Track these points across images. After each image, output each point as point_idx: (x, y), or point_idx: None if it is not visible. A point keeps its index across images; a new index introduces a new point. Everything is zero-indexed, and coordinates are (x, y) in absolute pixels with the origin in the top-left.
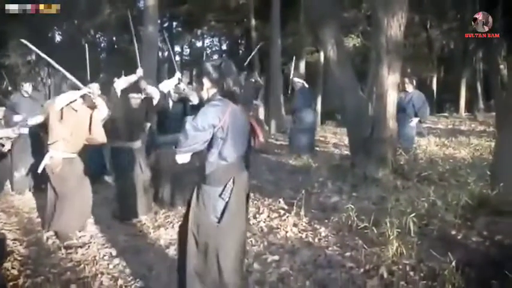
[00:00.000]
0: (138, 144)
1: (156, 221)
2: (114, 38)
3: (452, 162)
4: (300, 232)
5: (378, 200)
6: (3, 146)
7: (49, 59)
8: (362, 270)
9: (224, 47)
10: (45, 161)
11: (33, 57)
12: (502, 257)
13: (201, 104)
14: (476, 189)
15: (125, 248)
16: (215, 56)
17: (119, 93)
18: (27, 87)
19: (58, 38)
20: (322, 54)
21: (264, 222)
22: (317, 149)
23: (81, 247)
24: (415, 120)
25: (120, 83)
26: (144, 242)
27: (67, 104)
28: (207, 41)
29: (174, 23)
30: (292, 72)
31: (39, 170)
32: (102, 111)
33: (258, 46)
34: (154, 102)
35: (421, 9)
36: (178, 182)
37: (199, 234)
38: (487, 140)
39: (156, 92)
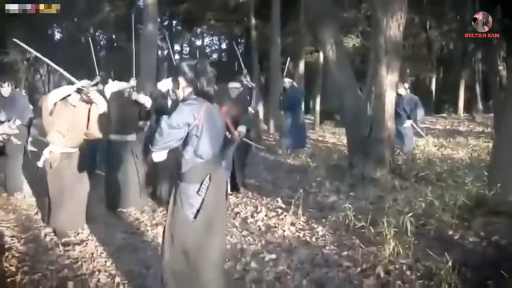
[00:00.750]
0: (132, 137)
1: (154, 219)
2: (113, 36)
3: (450, 163)
4: (297, 231)
5: (375, 199)
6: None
7: (42, 57)
8: (359, 269)
9: (224, 46)
10: (45, 155)
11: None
12: (499, 257)
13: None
14: (473, 190)
15: (123, 245)
16: (214, 55)
17: (108, 95)
18: (5, 87)
19: (58, 36)
20: (321, 54)
21: (262, 221)
22: (311, 148)
23: (78, 244)
24: (408, 122)
25: (111, 87)
26: (141, 239)
27: (61, 99)
28: (207, 40)
29: (174, 22)
30: (285, 72)
31: (40, 164)
32: (100, 106)
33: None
34: (147, 108)
35: (420, 10)
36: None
37: (176, 232)
38: (485, 140)
39: (148, 101)
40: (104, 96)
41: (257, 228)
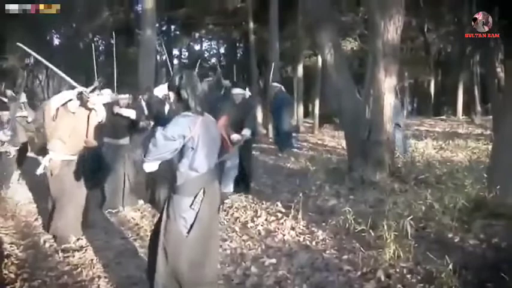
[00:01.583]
0: (124, 141)
1: (154, 224)
2: (112, 41)
3: (449, 165)
4: (297, 235)
5: (375, 203)
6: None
7: (45, 62)
8: (359, 273)
9: (222, 50)
10: (45, 163)
11: (32, 60)
12: (499, 259)
13: None
14: (473, 192)
15: (122, 251)
16: (213, 60)
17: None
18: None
19: (56, 42)
20: (320, 57)
21: (262, 225)
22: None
23: (78, 251)
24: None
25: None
26: (141, 245)
27: (63, 104)
28: (205, 45)
29: (172, 27)
30: (271, 77)
31: (39, 172)
32: (100, 113)
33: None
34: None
35: (417, 13)
36: None
37: (170, 246)
38: (484, 143)
39: (132, 113)
40: None
41: (257, 232)
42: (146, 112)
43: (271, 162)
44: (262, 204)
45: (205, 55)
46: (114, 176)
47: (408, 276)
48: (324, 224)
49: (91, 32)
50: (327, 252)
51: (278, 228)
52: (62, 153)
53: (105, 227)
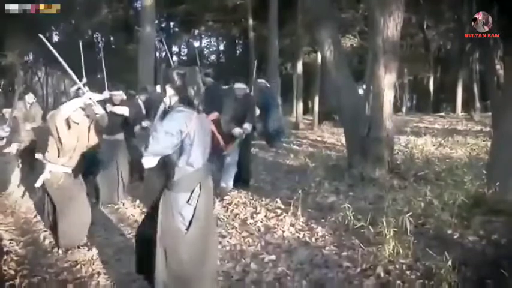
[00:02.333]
0: (118, 136)
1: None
2: (111, 38)
3: (448, 162)
4: (296, 232)
5: (374, 199)
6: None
7: (60, 58)
8: (359, 269)
9: (221, 47)
10: (45, 176)
11: (31, 57)
12: (498, 256)
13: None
14: (472, 189)
15: (121, 248)
16: (212, 57)
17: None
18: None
19: (55, 39)
20: (319, 54)
21: (261, 222)
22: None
23: (78, 248)
24: None
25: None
26: None
27: (74, 111)
28: (205, 41)
29: (172, 23)
30: (254, 74)
31: (37, 185)
32: (102, 121)
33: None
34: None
35: (417, 10)
36: None
37: (168, 244)
38: (484, 139)
39: (125, 111)
40: None
41: (256, 229)
42: (144, 112)
43: (270, 159)
44: (262, 200)
45: (205, 52)
46: (108, 171)
47: (408, 272)
48: (323, 220)
49: (90, 29)
50: (326, 248)
51: (277, 225)
52: (65, 166)
53: (104, 224)
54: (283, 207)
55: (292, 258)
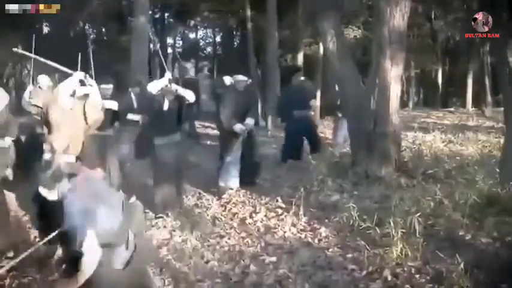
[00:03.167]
0: (108, 132)
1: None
2: (103, 30)
3: (459, 160)
4: (298, 232)
5: (380, 198)
6: None
7: (40, 59)
8: (364, 272)
9: (218, 39)
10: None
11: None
12: None
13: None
14: (484, 188)
15: None
16: (208, 49)
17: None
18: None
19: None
20: (321, 46)
21: (261, 221)
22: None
23: None
24: None
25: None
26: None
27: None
28: (201, 33)
29: (166, 14)
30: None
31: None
32: (95, 98)
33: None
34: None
35: None
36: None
37: None
38: (496, 136)
39: (114, 105)
40: None
41: (256, 229)
42: (135, 105)
43: (270, 156)
44: (261, 199)
45: (201, 44)
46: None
47: (416, 276)
48: (326, 220)
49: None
50: (330, 250)
51: (278, 225)
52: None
53: None
54: (284, 206)
55: (294, 260)
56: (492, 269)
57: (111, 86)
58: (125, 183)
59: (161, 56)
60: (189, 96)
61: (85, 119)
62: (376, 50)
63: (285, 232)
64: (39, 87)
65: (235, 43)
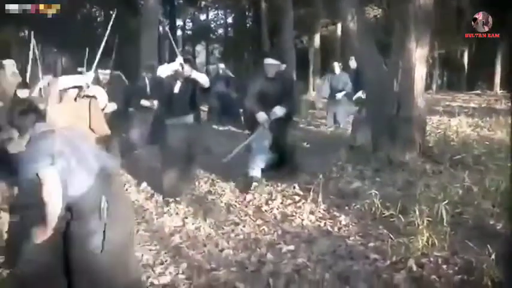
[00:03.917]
0: None
1: (161, 207)
2: (110, 12)
3: (488, 145)
4: (317, 220)
5: (404, 185)
6: None
7: None
8: (388, 262)
9: (230, 20)
10: None
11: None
12: None
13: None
14: None
15: None
16: (220, 31)
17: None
18: None
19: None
20: (339, 26)
21: (277, 209)
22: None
23: None
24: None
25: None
26: (147, 229)
27: (71, 88)
28: (211, 14)
29: None
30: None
31: None
32: (101, 99)
33: None
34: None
35: None
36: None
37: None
38: None
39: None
40: None
41: (272, 216)
42: (149, 91)
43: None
44: (278, 186)
45: (212, 25)
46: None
47: (444, 266)
48: (347, 208)
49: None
50: (351, 238)
51: (296, 212)
52: None
53: None
54: (301, 193)
55: (312, 249)
56: None
57: (108, 71)
58: (135, 167)
59: (171, 39)
60: (203, 80)
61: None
62: (399, 29)
63: (302, 220)
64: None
65: (247, 24)
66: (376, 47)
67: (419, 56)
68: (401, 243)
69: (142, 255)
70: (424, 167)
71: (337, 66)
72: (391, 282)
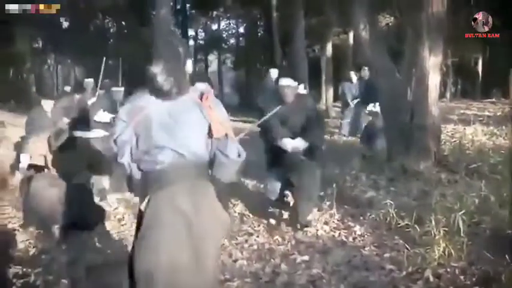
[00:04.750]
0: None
1: None
2: (123, 23)
3: (504, 154)
4: (331, 230)
5: (419, 195)
6: None
7: None
8: (404, 273)
9: (241, 30)
10: None
11: (40, 44)
12: None
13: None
14: None
15: None
16: (232, 40)
17: None
18: None
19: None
20: (351, 35)
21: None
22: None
23: None
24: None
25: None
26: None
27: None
28: (223, 24)
29: (188, 5)
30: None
31: None
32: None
33: None
34: None
35: None
36: None
37: None
38: None
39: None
40: None
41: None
42: None
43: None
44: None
45: (223, 35)
46: None
47: (461, 277)
48: (361, 217)
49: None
50: (366, 249)
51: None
52: None
53: None
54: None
55: (327, 259)
56: None
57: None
58: None
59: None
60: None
61: None
62: (412, 37)
63: (317, 230)
64: None
65: (259, 34)
66: (388, 55)
67: (432, 64)
68: (418, 254)
69: None
70: (439, 176)
71: (353, 75)
72: None
